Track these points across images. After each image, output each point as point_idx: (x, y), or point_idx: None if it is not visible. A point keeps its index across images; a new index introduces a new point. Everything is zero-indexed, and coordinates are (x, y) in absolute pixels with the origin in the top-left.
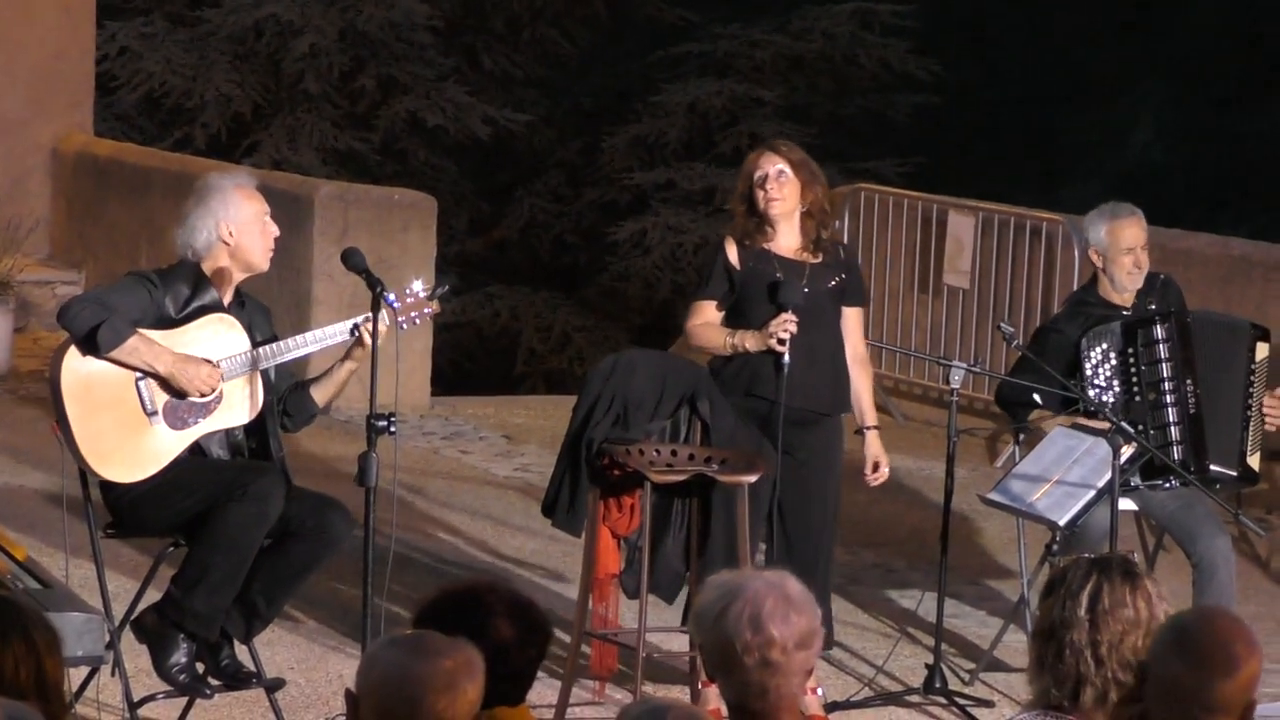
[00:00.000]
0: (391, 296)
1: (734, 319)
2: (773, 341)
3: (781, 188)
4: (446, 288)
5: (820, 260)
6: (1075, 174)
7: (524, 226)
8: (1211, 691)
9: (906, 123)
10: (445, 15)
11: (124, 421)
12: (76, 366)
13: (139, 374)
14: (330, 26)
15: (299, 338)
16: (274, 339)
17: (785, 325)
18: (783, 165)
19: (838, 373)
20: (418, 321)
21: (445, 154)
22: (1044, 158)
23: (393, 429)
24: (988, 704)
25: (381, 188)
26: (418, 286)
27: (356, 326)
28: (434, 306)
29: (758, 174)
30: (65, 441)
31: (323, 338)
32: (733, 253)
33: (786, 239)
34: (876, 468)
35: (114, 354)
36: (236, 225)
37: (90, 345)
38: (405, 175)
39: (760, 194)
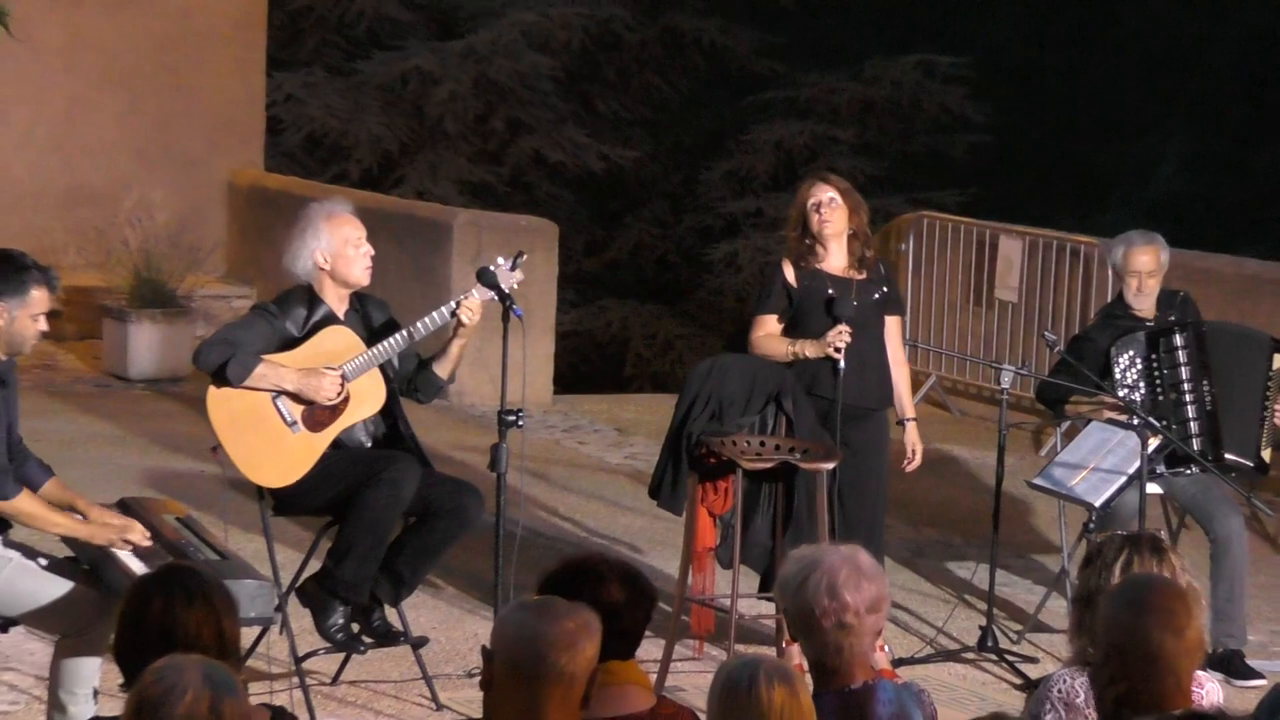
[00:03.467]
0: (519, 308)
1: (793, 330)
2: (830, 350)
3: (833, 212)
4: (524, 256)
5: (865, 277)
6: (1109, 202)
7: (632, 248)
8: (1168, 642)
9: (963, 158)
10: (565, 66)
11: (270, 436)
12: (219, 400)
13: (274, 393)
14: (466, 76)
15: (410, 329)
16: (395, 325)
17: (841, 335)
18: (833, 193)
19: (883, 373)
20: (515, 288)
21: (564, 185)
22: (1082, 187)
23: (520, 423)
24: (1033, 660)
25: (510, 215)
26: (500, 260)
27: (456, 309)
28: (519, 275)
29: (811, 200)
30: (225, 464)
31: (430, 324)
32: (790, 273)
33: (836, 259)
34: (914, 454)
35: (246, 383)
36: (329, 253)
37: (222, 379)
38: (530, 204)
39: (815, 217)
